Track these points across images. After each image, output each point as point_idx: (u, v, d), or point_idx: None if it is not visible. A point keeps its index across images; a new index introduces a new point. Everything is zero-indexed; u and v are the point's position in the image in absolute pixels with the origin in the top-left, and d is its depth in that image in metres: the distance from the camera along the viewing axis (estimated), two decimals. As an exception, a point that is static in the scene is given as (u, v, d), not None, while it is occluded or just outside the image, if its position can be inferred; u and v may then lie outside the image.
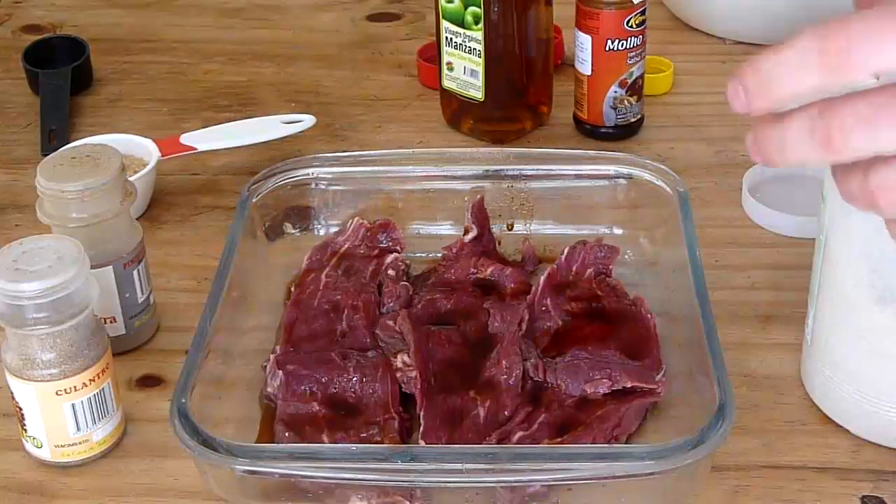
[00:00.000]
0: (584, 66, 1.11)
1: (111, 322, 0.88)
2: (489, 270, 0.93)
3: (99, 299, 0.80)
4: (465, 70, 1.11)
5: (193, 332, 0.80)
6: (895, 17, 0.48)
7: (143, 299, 0.90)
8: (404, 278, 0.93)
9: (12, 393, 0.79)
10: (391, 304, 0.90)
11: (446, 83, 1.14)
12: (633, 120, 1.13)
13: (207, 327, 0.81)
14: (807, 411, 0.83)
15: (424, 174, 0.98)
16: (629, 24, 1.08)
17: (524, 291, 0.91)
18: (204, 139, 1.10)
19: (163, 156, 1.06)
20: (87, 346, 0.78)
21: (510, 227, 0.98)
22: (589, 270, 0.92)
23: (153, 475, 0.80)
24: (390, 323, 0.86)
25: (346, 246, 0.96)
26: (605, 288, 0.91)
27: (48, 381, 0.78)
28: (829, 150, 0.51)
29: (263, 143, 1.10)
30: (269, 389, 0.84)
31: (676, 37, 1.31)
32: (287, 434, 0.79)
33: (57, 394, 0.78)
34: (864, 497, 0.77)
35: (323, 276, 0.93)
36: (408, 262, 0.95)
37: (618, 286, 0.91)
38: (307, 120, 1.12)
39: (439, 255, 0.96)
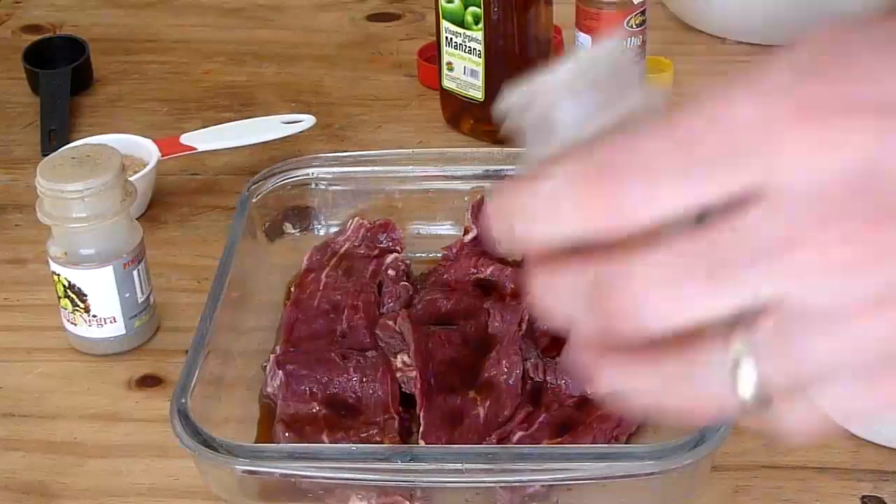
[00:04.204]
0: (584, 66, 1.10)
1: (111, 322, 0.88)
2: (489, 270, 0.93)
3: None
4: (465, 70, 1.11)
5: (193, 332, 0.80)
6: (674, 142, 0.35)
7: (143, 299, 0.90)
8: (404, 278, 0.93)
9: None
10: (391, 304, 0.90)
11: (446, 83, 1.14)
12: (633, 120, 1.13)
13: (207, 327, 0.81)
14: (807, 411, 0.83)
15: (424, 174, 0.98)
16: (629, 24, 1.08)
17: (524, 291, 0.91)
18: (204, 139, 1.10)
19: (163, 156, 1.06)
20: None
21: (510, 228, 0.98)
22: (589, 270, 0.92)
23: (153, 475, 0.80)
24: (390, 323, 0.86)
25: (346, 246, 0.96)
26: (605, 288, 0.91)
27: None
28: (614, 324, 0.37)
29: (263, 143, 1.10)
30: (269, 389, 0.84)
31: (676, 37, 1.31)
32: (287, 434, 0.79)
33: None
34: (864, 497, 0.77)
35: (323, 276, 0.93)
36: (408, 262, 0.95)
37: (618, 286, 0.91)
38: (307, 120, 1.12)
39: (439, 255, 0.96)
